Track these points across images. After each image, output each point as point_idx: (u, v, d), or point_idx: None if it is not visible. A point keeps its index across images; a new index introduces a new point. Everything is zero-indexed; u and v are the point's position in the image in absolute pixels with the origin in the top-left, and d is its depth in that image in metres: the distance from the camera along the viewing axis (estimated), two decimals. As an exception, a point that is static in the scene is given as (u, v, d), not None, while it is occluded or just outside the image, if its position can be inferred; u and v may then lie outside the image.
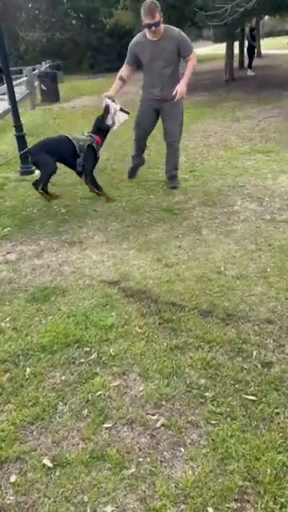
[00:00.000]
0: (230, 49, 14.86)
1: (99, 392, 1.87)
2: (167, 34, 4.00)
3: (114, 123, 4.23)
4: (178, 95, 3.98)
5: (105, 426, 1.72)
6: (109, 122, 4.21)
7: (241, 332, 2.21)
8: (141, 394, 1.86)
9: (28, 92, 12.12)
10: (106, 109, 4.18)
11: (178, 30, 4.07)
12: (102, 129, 4.27)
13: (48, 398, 1.86)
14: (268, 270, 2.81)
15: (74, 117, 10.19)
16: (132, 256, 3.14)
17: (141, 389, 1.89)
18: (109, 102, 4.21)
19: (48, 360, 2.09)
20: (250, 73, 15.96)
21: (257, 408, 1.75)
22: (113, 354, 2.09)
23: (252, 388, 1.86)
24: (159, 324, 2.30)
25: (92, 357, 2.08)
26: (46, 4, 27.68)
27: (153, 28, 3.88)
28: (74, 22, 28.18)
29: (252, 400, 1.79)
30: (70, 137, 4.17)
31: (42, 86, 13.62)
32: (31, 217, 4.01)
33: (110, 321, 2.33)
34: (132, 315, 2.40)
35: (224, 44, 16.04)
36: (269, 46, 30.61)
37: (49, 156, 4.08)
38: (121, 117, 4.22)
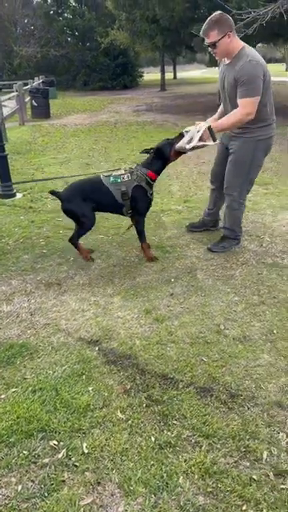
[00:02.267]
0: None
1: (65, 514, 1.42)
2: (236, 58, 2.92)
3: (190, 140, 3.03)
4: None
5: None
6: (184, 139, 3.06)
7: (247, 421, 1.79)
8: (120, 519, 1.41)
9: (18, 107, 11.78)
10: (181, 135, 3.12)
11: (251, 56, 2.86)
12: (163, 156, 3.18)
13: (-4, 522, 1.40)
14: (274, 331, 2.41)
15: (64, 135, 9.85)
16: (117, 305, 2.71)
17: (120, 510, 1.44)
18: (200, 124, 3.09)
19: (3, 457, 1.63)
20: None
21: None
22: (86, 451, 1.65)
23: (264, 512, 1.43)
24: (146, 406, 1.87)
25: (59, 455, 1.63)
26: (41, 20, 27.75)
27: (209, 49, 3.02)
28: (69, 39, 28.25)
29: (266, 534, 1.36)
30: (105, 182, 3.13)
31: (33, 101, 13.31)
32: (5, 249, 3.57)
33: (85, 399, 1.89)
34: (113, 391, 1.96)
35: (215, 68, 16.09)
36: (261, 73, 31.14)
37: (86, 205, 3.14)
38: (204, 137, 3.02)
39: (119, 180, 3.12)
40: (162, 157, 3.18)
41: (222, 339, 2.34)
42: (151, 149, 3.25)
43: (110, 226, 4.06)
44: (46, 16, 27.79)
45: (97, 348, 2.28)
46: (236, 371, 2.09)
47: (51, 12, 28.14)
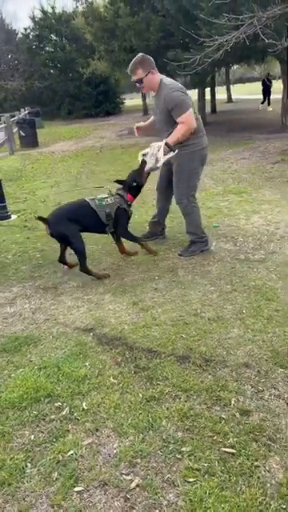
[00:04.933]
0: (201, 95, 15.55)
1: (70, 452, 1.76)
2: (160, 90, 3.51)
3: (157, 160, 3.48)
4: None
5: (76, 489, 1.60)
6: (151, 162, 3.51)
7: (218, 378, 2.15)
8: (114, 452, 1.76)
9: (6, 138, 12.32)
10: (143, 162, 3.60)
11: (170, 86, 3.44)
12: (137, 184, 3.71)
13: (16, 460, 1.74)
14: (244, 311, 2.79)
15: (53, 161, 10.36)
16: (107, 300, 3.09)
17: (115, 446, 1.78)
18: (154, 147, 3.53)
19: (17, 417, 1.97)
20: (268, 108, 18.81)
21: (236, 461, 1.67)
22: (85, 408, 1.99)
23: (231, 439, 1.78)
24: (134, 373, 2.22)
25: (63, 412, 1.98)
26: (24, 55, 28.82)
27: (137, 85, 3.60)
28: (52, 71, 29.27)
29: (231, 453, 1.71)
30: (92, 204, 3.48)
31: (21, 132, 13.90)
32: (5, 263, 3.94)
33: (82, 371, 2.24)
34: (106, 364, 2.31)
35: (194, 90, 16.95)
36: (239, 92, 32.41)
37: (74, 227, 3.40)
38: (165, 152, 3.47)
39: (104, 203, 3.53)
40: (136, 185, 3.72)
41: (199, 320, 2.71)
42: (123, 181, 3.75)
43: (100, 236, 4.44)
44: (29, 51, 28.86)
45: (91, 334, 2.64)
46: (210, 343, 2.46)
47: (33, 47, 29.22)
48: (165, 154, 3.47)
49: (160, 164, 3.51)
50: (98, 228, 3.62)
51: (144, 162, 3.61)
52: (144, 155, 3.59)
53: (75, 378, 2.19)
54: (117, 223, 3.64)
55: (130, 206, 3.70)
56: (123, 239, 3.81)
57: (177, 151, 3.50)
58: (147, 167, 3.58)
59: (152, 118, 3.96)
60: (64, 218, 3.42)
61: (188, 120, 3.44)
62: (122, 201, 3.61)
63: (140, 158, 3.67)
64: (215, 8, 7.70)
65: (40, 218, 3.41)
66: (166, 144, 3.45)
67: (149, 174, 3.71)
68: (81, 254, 3.44)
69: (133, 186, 3.70)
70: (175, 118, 3.46)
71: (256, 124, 14.49)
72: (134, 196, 3.74)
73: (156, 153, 3.50)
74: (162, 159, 3.47)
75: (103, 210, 3.50)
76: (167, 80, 3.55)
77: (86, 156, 10.85)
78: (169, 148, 3.46)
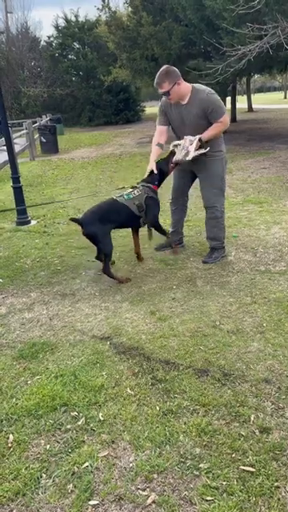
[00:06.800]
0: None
1: (86, 463, 1.74)
2: (194, 96, 3.46)
3: (187, 153, 3.52)
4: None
5: (91, 503, 1.57)
6: (180, 154, 3.56)
7: (238, 393, 2.10)
8: (131, 465, 1.72)
9: (27, 144, 12.50)
10: (172, 152, 3.66)
11: (207, 90, 3.46)
12: (162, 173, 3.76)
13: (31, 470, 1.72)
14: (264, 324, 2.73)
15: (73, 168, 10.45)
16: (125, 309, 3.06)
17: (131, 459, 1.75)
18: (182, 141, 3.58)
19: (33, 426, 1.96)
20: None
21: (255, 481, 1.62)
22: (102, 419, 1.97)
23: (250, 458, 1.73)
24: (152, 384, 2.19)
25: (79, 422, 1.96)
26: (47, 62, 29.32)
27: (164, 96, 3.55)
28: (73, 78, 29.68)
29: (250, 472, 1.66)
30: (121, 200, 3.52)
31: (42, 138, 14.09)
32: (24, 268, 3.97)
33: (99, 381, 2.22)
34: (123, 374, 2.29)
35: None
36: (260, 101, 32.29)
37: (105, 227, 3.46)
38: (197, 148, 3.51)
39: (131, 196, 3.60)
40: (161, 173, 3.79)
41: (218, 332, 2.67)
42: (151, 172, 3.77)
43: (117, 244, 4.43)
44: (52, 58, 29.34)
45: (108, 342, 2.62)
46: (229, 356, 2.41)
47: (56, 54, 29.69)
48: (196, 150, 3.52)
49: (189, 158, 3.53)
50: (134, 222, 3.69)
51: (173, 153, 3.67)
52: (175, 146, 3.64)
53: (92, 388, 2.17)
54: (147, 212, 3.68)
55: (156, 193, 3.76)
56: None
57: (208, 148, 3.54)
58: (175, 158, 3.65)
59: (160, 134, 3.79)
60: (96, 219, 3.44)
61: (226, 120, 3.57)
62: (148, 190, 3.68)
63: (171, 148, 3.71)
64: (238, 18, 7.70)
65: (73, 220, 3.50)
66: (200, 140, 3.50)
67: (176, 165, 3.74)
68: (106, 256, 3.50)
69: (159, 174, 3.75)
70: (214, 119, 3.48)
71: (277, 133, 14.39)
72: (158, 185, 3.80)
73: (188, 146, 3.54)
74: (192, 153, 3.52)
75: (132, 202, 3.56)
76: (200, 86, 3.55)
77: (106, 163, 10.92)
78: (201, 144, 3.52)
